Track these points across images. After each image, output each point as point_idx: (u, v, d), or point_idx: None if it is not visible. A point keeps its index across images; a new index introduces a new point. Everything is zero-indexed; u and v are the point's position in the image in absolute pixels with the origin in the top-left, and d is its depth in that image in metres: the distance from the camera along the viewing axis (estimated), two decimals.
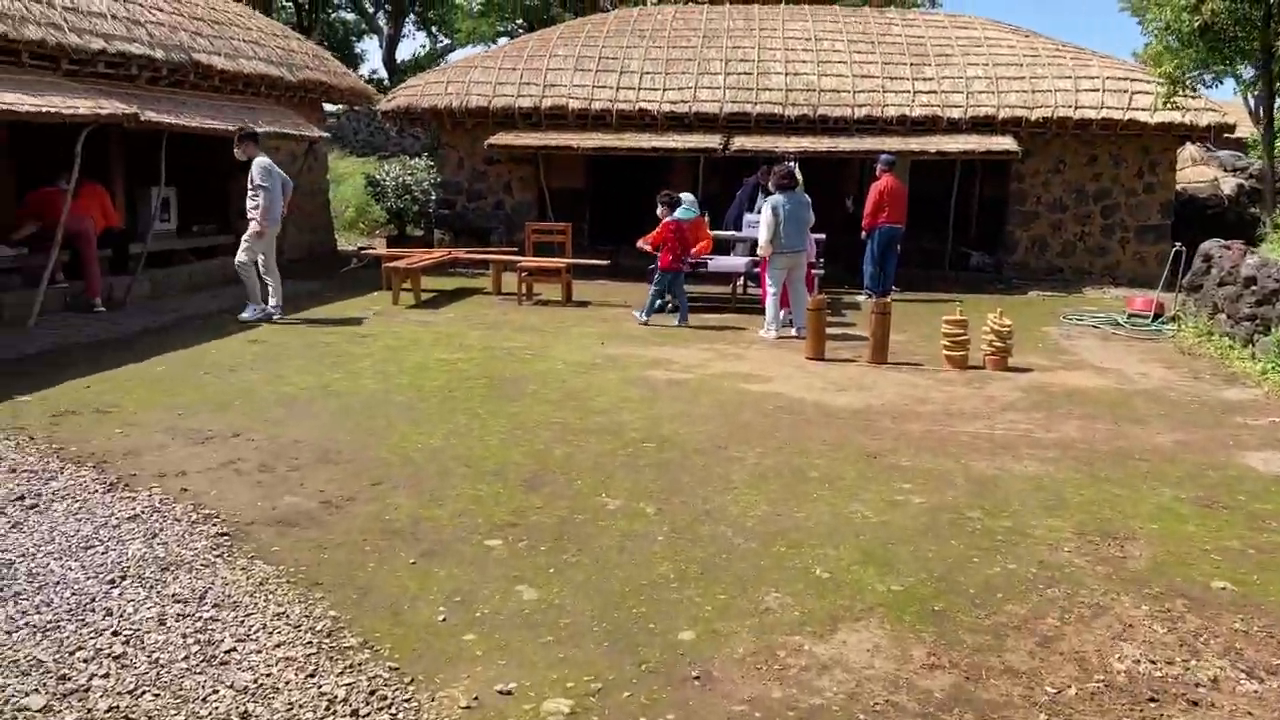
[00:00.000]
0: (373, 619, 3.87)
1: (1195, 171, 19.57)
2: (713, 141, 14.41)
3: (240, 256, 10.38)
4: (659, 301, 11.42)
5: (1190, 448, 6.53)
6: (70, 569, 4.22)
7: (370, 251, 13.69)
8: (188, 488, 5.28)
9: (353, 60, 37.56)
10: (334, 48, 36.14)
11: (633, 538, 4.75)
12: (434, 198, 16.49)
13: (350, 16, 38.70)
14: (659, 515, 5.07)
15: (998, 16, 16.46)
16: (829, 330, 9.55)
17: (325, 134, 14.08)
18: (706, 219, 12.21)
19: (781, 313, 10.42)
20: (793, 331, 10.27)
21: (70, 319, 10.05)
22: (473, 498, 5.26)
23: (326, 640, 3.69)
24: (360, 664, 3.53)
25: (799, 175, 10.69)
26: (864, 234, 13.15)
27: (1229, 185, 18.57)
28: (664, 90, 15.16)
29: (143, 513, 4.87)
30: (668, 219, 11.13)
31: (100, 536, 4.56)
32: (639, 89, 15.21)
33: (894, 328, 9.38)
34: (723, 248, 12.69)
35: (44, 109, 8.71)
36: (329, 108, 22.00)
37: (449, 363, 8.62)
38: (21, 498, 5.00)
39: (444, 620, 3.88)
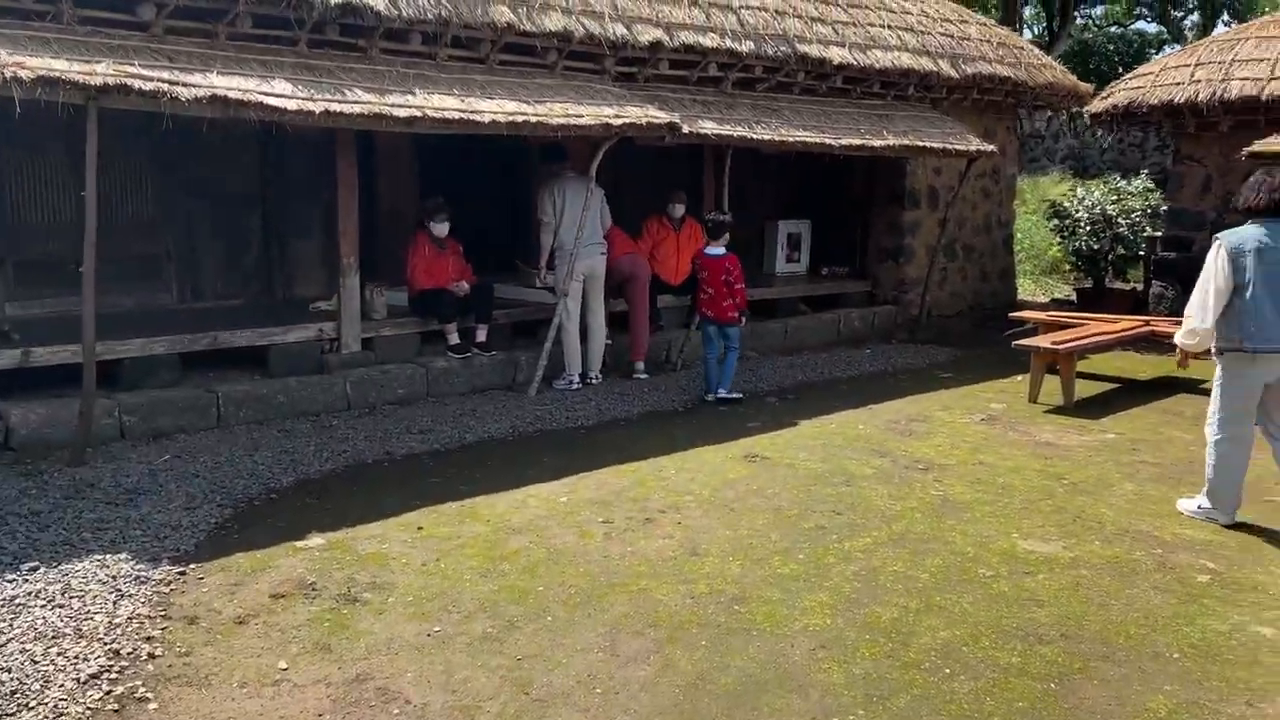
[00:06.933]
0: None
1: None
2: None
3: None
4: None
5: None
6: None
7: (1026, 314, 9.38)
8: None
9: None
10: (1131, 62, 30.43)
11: None
12: (1148, 234, 11.30)
13: (1151, 28, 32.75)
14: None
15: None
16: None
17: (990, 147, 10.11)
18: None
19: None
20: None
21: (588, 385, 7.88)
22: None
23: None
24: None
25: None
26: None
27: None
28: None
29: None
30: None
31: None
32: None
33: None
34: None
35: (529, 118, 6.51)
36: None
37: (1013, 592, 4.32)
38: None
39: None
